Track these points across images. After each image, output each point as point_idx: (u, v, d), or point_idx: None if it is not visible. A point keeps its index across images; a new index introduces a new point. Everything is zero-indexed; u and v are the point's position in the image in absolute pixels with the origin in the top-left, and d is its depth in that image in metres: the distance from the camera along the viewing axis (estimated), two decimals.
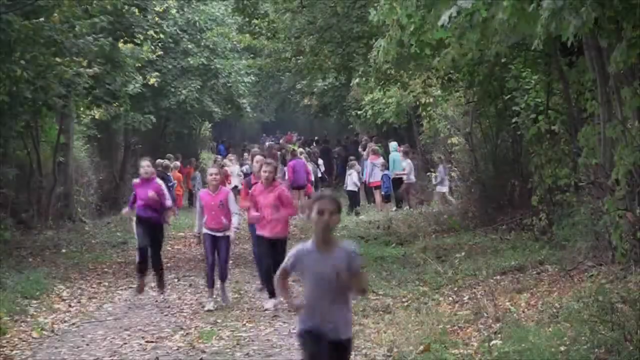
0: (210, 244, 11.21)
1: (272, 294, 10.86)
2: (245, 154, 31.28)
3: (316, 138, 41.37)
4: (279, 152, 29.06)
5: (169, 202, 11.82)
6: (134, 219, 12.08)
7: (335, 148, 35.34)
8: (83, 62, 15.98)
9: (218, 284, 11.43)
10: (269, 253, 10.79)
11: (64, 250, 16.25)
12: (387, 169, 23.05)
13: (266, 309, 10.83)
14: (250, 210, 11.11)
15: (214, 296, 11.33)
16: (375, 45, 11.27)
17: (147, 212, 11.70)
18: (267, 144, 39.87)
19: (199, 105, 30.56)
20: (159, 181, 11.91)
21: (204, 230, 11.22)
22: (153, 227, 11.82)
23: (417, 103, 20.36)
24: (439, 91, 17.63)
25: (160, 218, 11.85)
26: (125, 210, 12.44)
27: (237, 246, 16.33)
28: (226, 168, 20.12)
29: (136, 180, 11.96)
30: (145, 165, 11.75)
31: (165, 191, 11.78)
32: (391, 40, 10.00)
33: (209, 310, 10.89)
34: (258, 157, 12.22)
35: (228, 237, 11.26)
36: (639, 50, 7.61)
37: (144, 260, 11.85)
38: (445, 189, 22.48)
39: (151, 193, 11.46)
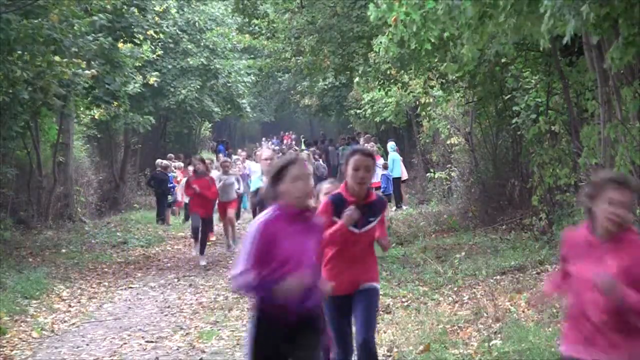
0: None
1: None
2: (235, 155, 30.11)
3: (302, 137, 41.51)
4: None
5: None
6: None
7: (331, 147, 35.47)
8: (82, 63, 15.97)
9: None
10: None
11: (64, 250, 16.24)
12: (387, 168, 23.06)
13: None
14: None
15: None
16: (376, 42, 11.25)
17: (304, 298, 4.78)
18: (267, 145, 39.82)
19: (198, 105, 30.59)
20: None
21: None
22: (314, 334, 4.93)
23: (417, 103, 20.36)
24: (439, 91, 17.63)
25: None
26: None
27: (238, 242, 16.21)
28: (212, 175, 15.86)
29: (268, 215, 4.86)
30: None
31: None
32: (392, 38, 9.98)
33: None
34: (358, 157, 5.84)
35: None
36: (636, 49, 7.60)
37: None
38: None
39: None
